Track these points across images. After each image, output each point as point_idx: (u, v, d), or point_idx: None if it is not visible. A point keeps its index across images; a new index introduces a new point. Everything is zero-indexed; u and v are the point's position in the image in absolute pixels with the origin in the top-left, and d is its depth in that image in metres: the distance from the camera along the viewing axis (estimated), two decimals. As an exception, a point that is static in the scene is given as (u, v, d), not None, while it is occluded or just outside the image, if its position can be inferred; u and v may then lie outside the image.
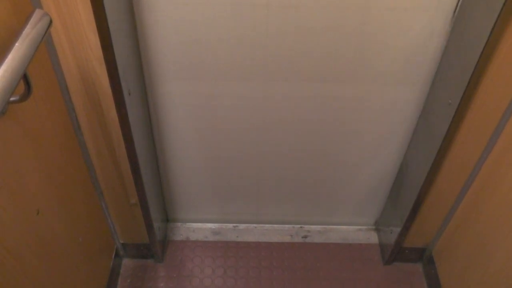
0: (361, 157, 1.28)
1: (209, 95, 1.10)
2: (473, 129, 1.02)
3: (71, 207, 1.00)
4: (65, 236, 0.97)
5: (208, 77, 1.06)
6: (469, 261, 1.17)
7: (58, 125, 0.92)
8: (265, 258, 1.45)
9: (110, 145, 1.06)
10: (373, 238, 1.52)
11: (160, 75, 1.05)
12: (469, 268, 1.17)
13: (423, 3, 0.91)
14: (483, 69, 0.90)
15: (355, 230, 1.54)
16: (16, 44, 0.61)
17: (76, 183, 1.03)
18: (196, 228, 1.52)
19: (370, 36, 0.97)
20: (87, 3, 0.78)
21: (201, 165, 1.31)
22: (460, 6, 0.91)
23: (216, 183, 1.38)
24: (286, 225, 1.54)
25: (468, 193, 1.16)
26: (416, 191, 1.16)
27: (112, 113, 0.98)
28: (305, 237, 1.52)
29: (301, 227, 1.54)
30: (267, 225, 1.53)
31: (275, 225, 1.53)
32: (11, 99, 0.67)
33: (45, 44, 0.83)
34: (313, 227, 1.54)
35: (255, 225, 1.53)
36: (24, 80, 0.66)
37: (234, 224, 1.53)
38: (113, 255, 1.36)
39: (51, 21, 0.68)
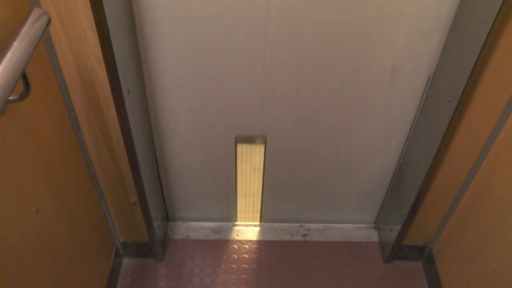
0: (360, 155, 1.28)
1: (208, 94, 1.10)
2: (472, 126, 1.02)
3: (70, 206, 1.00)
4: (64, 235, 0.97)
5: (208, 76, 1.05)
6: (469, 258, 1.17)
7: (57, 124, 0.92)
8: (265, 256, 1.45)
9: (109, 143, 1.06)
10: (373, 236, 1.52)
11: (160, 74, 1.05)
12: (469, 266, 1.17)
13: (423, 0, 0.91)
14: (483, 66, 0.90)
15: (355, 228, 1.54)
16: (15, 43, 0.61)
17: (76, 182, 1.03)
18: (196, 227, 1.52)
19: (369, 34, 0.97)
20: (86, 2, 0.78)
21: (201, 163, 1.31)
22: (460, 2, 0.91)
23: (216, 182, 1.38)
24: (286, 224, 1.54)
25: (468, 191, 1.16)
26: (416, 189, 1.16)
27: (111, 112, 0.98)
28: (305, 235, 1.52)
29: (301, 225, 1.54)
30: (267, 224, 1.53)
31: (275, 224, 1.53)
32: (10, 98, 0.67)
33: (43, 43, 0.83)
34: (313, 225, 1.54)
35: (255, 223, 1.53)
36: (23, 79, 0.66)
37: (234, 223, 1.53)
38: (113, 254, 1.36)
39: (49, 20, 0.68)
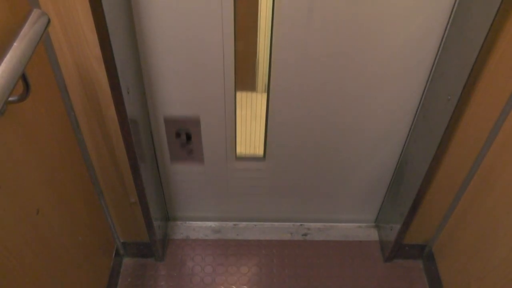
0: (360, 154, 1.28)
1: (208, 93, 1.10)
2: (472, 124, 1.02)
3: (70, 207, 1.00)
4: (65, 235, 0.97)
5: (208, 76, 1.05)
6: (469, 257, 1.17)
7: (57, 124, 0.91)
8: (265, 256, 1.45)
9: (109, 143, 1.06)
10: (373, 235, 1.52)
11: (159, 73, 1.05)
12: (469, 264, 1.17)
13: (422, -1, 0.91)
14: (482, 64, 0.90)
15: (355, 227, 1.54)
16: (14, 44, 0.61)
17: (76, 182, 1.03)
18: (196, 226, 1.52)
19: (369, 32, 0.97)
20: (85, 2, 0.78)
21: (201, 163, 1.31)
22: (459, 1, 0.91)
23: (216, 182, 1.38)
24: (286, 223, 1.54)
25: (467, 189, 1.16)
26: (416, 187, 1.16)
27: (111, 112, 0.98)
28: (305, 234, 1.52)
29: (301, 224, 1.54)
30: (267, 223, 1.53)
31: (275, 223, 1.53)
32: (10, 99, 0.67)
33: (43, 43, 0.83)
34: (313, 224, 1.54)
35: (255, 223, 1.53)
36: (23, 80, 0.66)
37: (234, 222, 1.53)
38: (113, 254, 1.36)
39: (49, 21, 0.68)
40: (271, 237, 1.50)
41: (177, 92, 1.09)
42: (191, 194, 1.43)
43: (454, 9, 0.92)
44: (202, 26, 0.95)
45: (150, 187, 1.20)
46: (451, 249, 1.28)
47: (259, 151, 1.28)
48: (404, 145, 1.24)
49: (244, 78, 1.07)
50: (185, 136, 1.21)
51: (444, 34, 0.97)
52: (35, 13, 0.66)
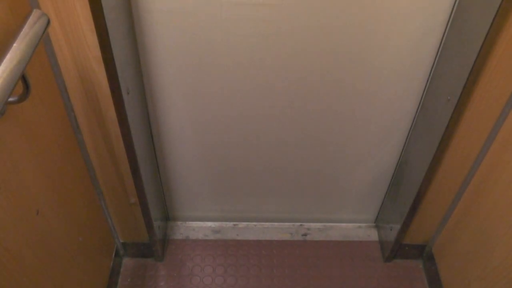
0: (360, 154, 1.28)
1: (208, 93, 1.10)
2: (472, 125, 1.02)
3: (70, 207, 1.00)
4: (64, 236, 0.97)
5: (207, 75, 1.05)
6: (469, 257, 1.17)
7: (57, 125, 0.91)
8: (265, 256, 1.45)
9: (109, 144, 1.06)
10: (373, 235, 1.52)
11: (159, 74, 1.05)
12: (469, 264, 1.17)
13: (421, -1, 0.91)
14: (482, 64, 0.90)
15: (355, 228, 1.54)
16: (14, 44, 0.61)
17: (76, 183, 1.03)
18: (196, 226, 1.52)
19: (369, 32, 0.97)
20: (85, 3, 0.78)
21: (200, 163, 1.31)
22: (459, 0, 0.91)
23: (216, 181, 1.38)
24: (286, 223, 1.54)
25: (467, 189, 1.16)
26: (416, 187, 1.16)
27: (110, 112, 0.98)
28: (305, 235, 1.52)
29: (301, 225, 1.54)
30: (267, 223, 1.54)
31: (275, 223, 1.54)
32: (10, 99, 0.67)
33: (43, 44, 0.83)
34: (313, 224, 1.54)
35: (255, 223, 1.53)
36: (23, 81, 0.66)
37: (234, 223, 1.53)
38: (113, 254, 1.36)
39: (49, 21, 0.68)
40: (271, 237, 1.50)
41: (177, 92, 1.09)
42: (191, 194, 1.43)
43: (454, 9, 0.92)
44: (202, 27, 0.95)
45: (150, 188, 1.20)
46: (451, 249, 1.28)
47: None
48: (404, 145, 1.24)
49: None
50: (185, 137, 1.22)
51: (443, 34, 0.97)
52: (35, 13, 0.66)
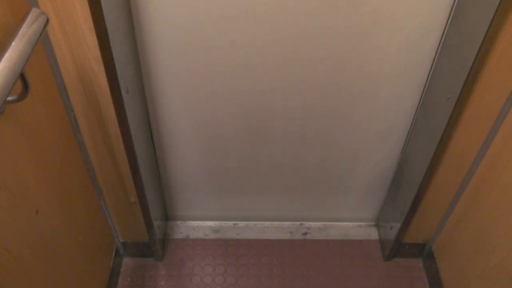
0: (360, 153, 1.28)
1: (208, 92, 1.10)
2: (472, 123, 1.02)
3: (70, 207, 1.00)
4: (64, 235, 0.97)
5: (207, 74, 1.05)
6: (469, 255, 1.17)
7: (57, 124, 0.91)
8: (265, 255, 1.45)
9: (108, 144, 1.06)
10: (373, 234, 1.52)
11: (158, 73, 1.05)
12: (470, 263, 1.17)
13: (421, -2, 0.91)
14: (482, 63, 0.90)
15: (355, 227, 1.54)
16: (13, 43, 0.61)
17: (75, 183, 1.03)
18: (196, 226, 1.52)
19: (368, 31, 0.97)
20: (84, 2, 0.78)
21: (200, 162, 1.31)
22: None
23: (215, 180, 1.38)
24: (286, 222, 1.54)
25: (467, 188, 1.16)
26: (416, 186, 1.16)
27: (110, 112, 0.98)
28: (305, 234, 1.52)
29: (301, 224, 1.54)
30: (267, 223, 1.53)
31: (275, 222, 1.53)
32: (9, 98, 0.67)
33: (42, 43, 0.83)
34: (313, 224, 1.54)
35: (255, 222, 1.53)
36: (22, 80, 0.66)
37: (234, 222, 1.53)
38: (113, 254, 1.36)
39: (48, 20, 0.68)
40: (271, 237, 1.50)
41: (177, 92, 1.09)
42: (191, 193, 1.43)
43: (453, 7, 0.92)
44: (202, 26, 0.95)
45: (150, 187, 1.20)
46: (451, 248, 1.28)
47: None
48: (404, 144, 1.24)
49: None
50: (185, 136, 1.21)
51: (443, 33, 0.97)
52: (33, 12, 0.66)
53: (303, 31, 0.97)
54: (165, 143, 1.24)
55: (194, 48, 0.99)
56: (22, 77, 0.65)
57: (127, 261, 1.43)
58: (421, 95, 1.10)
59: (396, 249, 1.40)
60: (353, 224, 1.54)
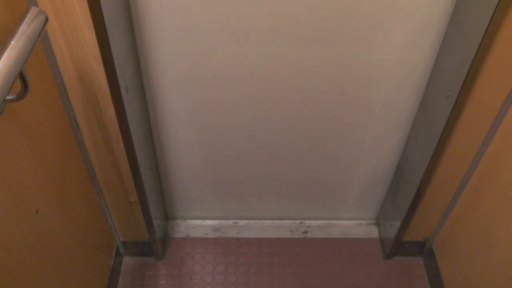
0: (360, 152, 1.28)
1: (208, 91, 1.10)
2: (472, 121, 1.02)
3: (70, 206, 1.00)
4: (64, 235, 0.97)
5: (207, 73, 1.05)
6: (469, 253, 1.17)
7: (56, 123, 0.91)
8: (265, 254, 1.45)
9: (108, 143, 1.06)
10: (374, 232, 1.52)
11: (158, 72, 1.05)
12: (470, 261, 1.17)
13: (421, -5, 0.91)
14: (482, 60, 0.90)
15: (355, 225, 1.54)
16: (12, 42, 0.61)
17: (75, 182, 1.03)
18: (196, 225, 1.52)
19: (368, 29, 0.97)
20: (83, 0, 0.77)
21: (200, 161, 1.31)
22: (458, -2, 0.91)
23: (215, 180, 1.38)
24: (287, 221, 1.54)
25: (467, 186, 1.16)
26: (416, 184, 1.16)
27: (110, 111, 0.97)
28: (306, 232, 1.52)
29: (301, 222, 1.54)
30: (267, 221, 1.53)
31: (275, 221, 1.53)
32: (8, 98, 0.67)
33: (41, 42, 0.83)
34: (313, 222, 1.54)
35: (255, 221, 1.53)
36: (21, 79, 0.66)
37: (234, 221, 1.53)
38: (114, 253, 1.36)
39: (47, 19, 0.68)
40: (271, 235, 1.50)
41: (176, 91, 1.09)
42: (191, 192, 1.43)
43: (453, 5, 0.92)
44: (202, 24, 0.95)
45: (150, 186, 1.20)
46: (451, 246, 1.28)
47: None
48: (404, 142, 1.24)
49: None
50: (185, 135, 1.21)
51: (443, 31, 0.97)
52: (32, 11, 0.66)
53: (302, 29, 0.96)
54: (165, 142, 1.24)
55: (194, 47, 0.99)
56: (21, 76, 0.65)
57: (127, 260, 1.43)
58: (421, 94, 1.10)
59: (396, 247, 1.40)
60: (353, 222, 1.54)
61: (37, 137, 0.83)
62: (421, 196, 1.19)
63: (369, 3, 0.92)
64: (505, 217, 1.01)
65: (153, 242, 1.34)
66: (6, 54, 0.60)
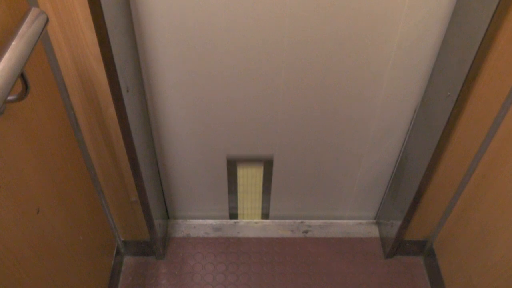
0: (361, 151, 1.28)
1: (208, 90, 1.10)
2: (472, 120, 1.02)
3: (71, 206, 1.00)
4: (65, 234, 0.97)
5: (207, 73, 1.05)
6: (470, 252, 1.17)
7: (57, 123, 0.91)
8: (266, 253, 1.45)
9: (109, 142, 1.06)
10: (374, 231, 1.52)
11: (159, 72, 1.05)
12: (470, 260, 1.17)
13: (421, -5, 0.91)
14: (482, 60, 0.90)
15: (356, 224, 1.54)
16: (13, 43, 0.61)
17: (76, 181, 1.03)
18: (197, 224, 1.52)
19: (369, 28, 0.97)
20: (84, 1, 0.77)
21: (201, 161, 1.31)
22: (458, -3, 0.91)
23: (215, 179, 1.38)
24: (287, 220, 1.54)
25: (468, 185, 1.16)
26: (416, 184, 1.16)
27: (110, 111, 0.98)
28: (306, 231, 1.52)
29: (302, 222, 1.54)
30: (267, 221, 1.54)
31: (276, 221, 1.54)
32: (9, 98, 0.67)
33: (42, 42, 0.83)
34: (313, 221, 1.54)
35: (256, 220, 1.53)
36: (22, 79, 0.66)
37: (235, 220, 1.53)
38: (114, 253, 1.36)
39: (47, 19, 0.68)
40: (271, 235, 1.50)
41: (177, 90, 1.09)
42: (191, 191, 1.43)
43: (454, 4, 0.92)
44: (202, 25, 0.95)
45: (150, 186, 1.20)
46: (451, 245, 1.28)
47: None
48: (404, 141, 1.24)
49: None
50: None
51: (444, 30, 0.97)
52: (33, 11, 0.66)
53: (302, 30, 0.96)
54: (166, 141, 1.24)
55: (194, 46, 0.99)
56: (22, 76, 0.65)
57: (128, 260, 1.43)
58: (422, 92, 1.10)
59: (397, 246, 1.40)
60: (354, 221, 1.54)
61: (38, 137, 0.83)
62: (421, 195, 1.19)
63: (370, 3, 0.92)
64: (506, 216, 1.01)
65: (154, 241, 1.34)
66: (7, 54, 0.60)
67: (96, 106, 0.97)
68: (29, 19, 0.65)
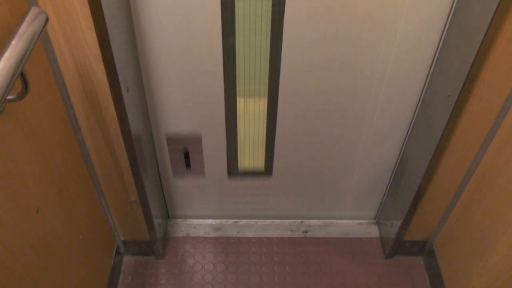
0: (361, 151, 1.28)
1: (208, 90, 1.10)
2: (472, 121, 1.02)
3: (70, 205, 1.00)
4: (65, 234, 0.97)
5: (207, 72, 1.05)
6: (470, 253, 1.17)
7: (57, 123, 0.91)
8: (266, 253, 1.45)
9: (109, 142, 1.06)
10: (374, 232, 1.52)
11: (158, 71, 1.05)
12: (470, 260, 1.17)
13: (421, -5, 0.91)
14: (482, 61, 0.90)
15: (356, 224, 1.54)
16: (13, 42, 0.61)
17: (76, 181, 1.03)
18: (197, 224, 1.52)
19: (369, 29, 0.97)
20: (84, 0, 0.77)
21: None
22: (459, -3, 0.91)
23: (216, 179, 1.38)
24: (287, 220, 1.54)
25: (468, 186, 1.16)
26: (416, 184, 1.16)
27: (110, 110, 0.97)
28: (306, 231, 1.52)
29: (301, 221, 1.54)
30: (267, 221, 1.53)
31: (276, 220, 1.53)
32: (8, 97, 0.67)
33: (42, 42, 0.83)
34: (313, 221, 1.54)
35: (255, 220, 1.53)
36: (21, 79, 0.66)
37: (235, 220, 1.53)
38: (114, 252, 1.36)
39: (47, 19, 0.68)
40: (271, 234, 1.50)
41: (176, 90, 1.09)
42: (191, 191, 1.43)
43: (454, 5, 0.92)
44: (202, 25, 0.95)
45: (150, 185, 1.20)
46: (451, 246, 1.28)
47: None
48: (404, 142, 1.24)
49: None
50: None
51: (444, 30, 0.97)
52: (33, 11, 0.66)
53: (302, 30, 0.96)
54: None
55: (194, 45, 0.99)
56: (22, 76, 0.65)
57: (127, 260, 1.43)
58: (422, 93, 1.10)
59: (397, 246, 1.40)
60: (354, 222, 1.54)
61: (37, 136, 0.83)
62: (421, 195, 1.19)
63: (371, 3, 0.92)
64: (506, 216, 1.01)
65: (154, 241, 1.34)
66: (6, 54, 0.60)
67: (96, 106, 0.97)
68: (29, 18, 0.65)
